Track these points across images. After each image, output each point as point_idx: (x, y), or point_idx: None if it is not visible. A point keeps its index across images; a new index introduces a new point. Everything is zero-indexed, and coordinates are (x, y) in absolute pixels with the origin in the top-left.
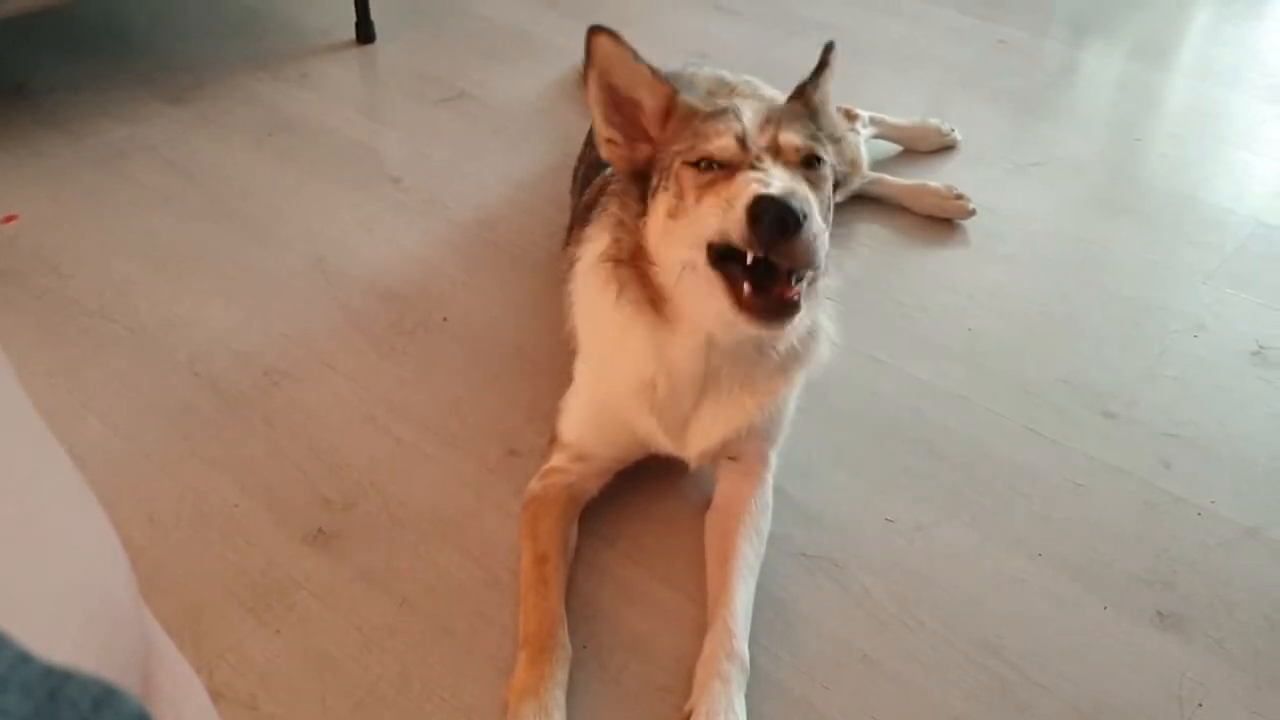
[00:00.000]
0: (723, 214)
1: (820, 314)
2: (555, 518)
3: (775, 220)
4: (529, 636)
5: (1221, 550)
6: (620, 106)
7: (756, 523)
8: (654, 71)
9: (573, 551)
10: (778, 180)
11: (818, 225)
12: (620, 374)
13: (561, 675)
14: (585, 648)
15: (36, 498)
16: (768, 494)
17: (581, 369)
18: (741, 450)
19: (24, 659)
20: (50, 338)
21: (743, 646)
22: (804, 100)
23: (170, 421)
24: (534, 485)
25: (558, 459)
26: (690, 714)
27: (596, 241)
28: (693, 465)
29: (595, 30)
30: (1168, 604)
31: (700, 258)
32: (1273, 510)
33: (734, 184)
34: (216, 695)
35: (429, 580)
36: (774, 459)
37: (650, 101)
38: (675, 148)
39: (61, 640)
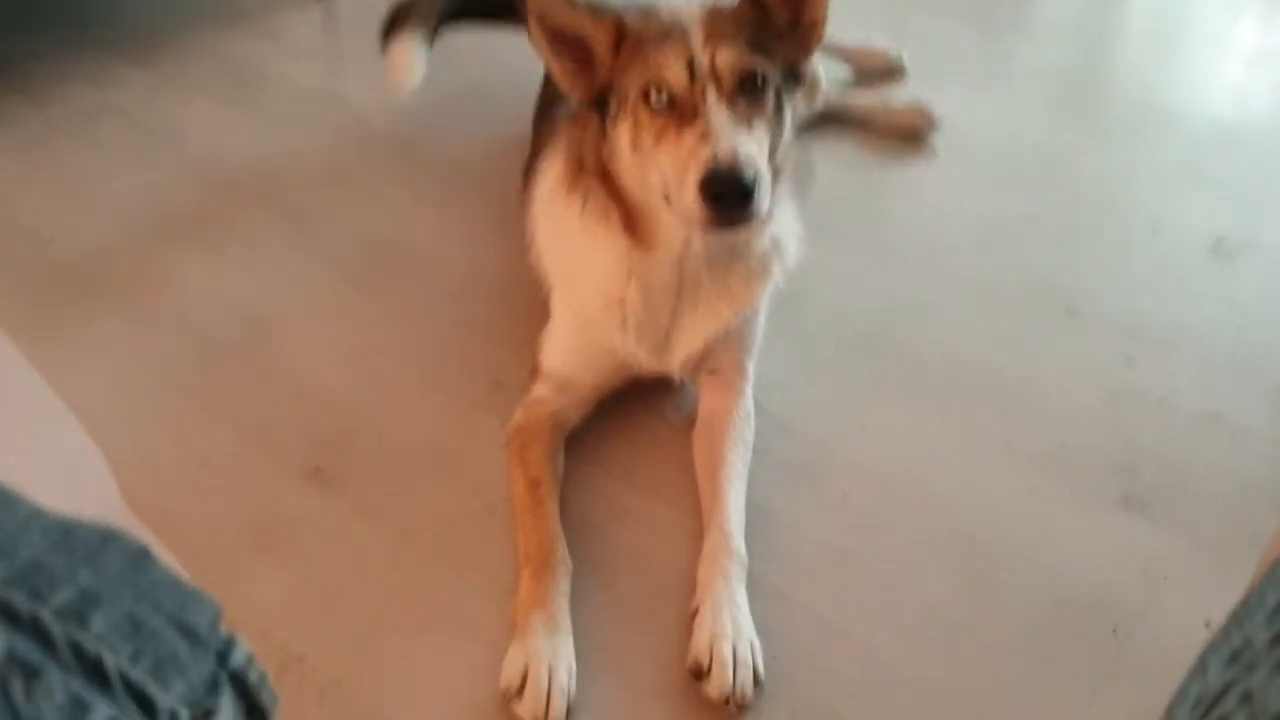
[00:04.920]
0: (677, 183)
1: (785, 215)
2: (544, 444)
3: (726, 199)
4: (529, 555)
5: (1183, 436)
6: (569, 44)
7: (741, 432)
8: (593, 9)
9: (562, 476)
10: (724, 139)
11: (764, 182)
12: (590, 292)
13: (565, 587)
14: (581, 562)
15: (14, 411)
16: (748, 404)
17: (557, 300)
18: (720, 363)
19: (38, 511)
20: (35, 302)
21: (739, 544)
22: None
23: (162, 375)
24: (518, 416)
25: (540, 389)
26: (696, 610)
27: (552, 170)
28: (677, 377)
29: None
30: (1133, 489)
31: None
32: (1231, 395)
33: (683, 142)
34: (230, 626)
35: (426, 511)
36: (751, 370)
37: (598, 35)
38: (629, 76)
39: None
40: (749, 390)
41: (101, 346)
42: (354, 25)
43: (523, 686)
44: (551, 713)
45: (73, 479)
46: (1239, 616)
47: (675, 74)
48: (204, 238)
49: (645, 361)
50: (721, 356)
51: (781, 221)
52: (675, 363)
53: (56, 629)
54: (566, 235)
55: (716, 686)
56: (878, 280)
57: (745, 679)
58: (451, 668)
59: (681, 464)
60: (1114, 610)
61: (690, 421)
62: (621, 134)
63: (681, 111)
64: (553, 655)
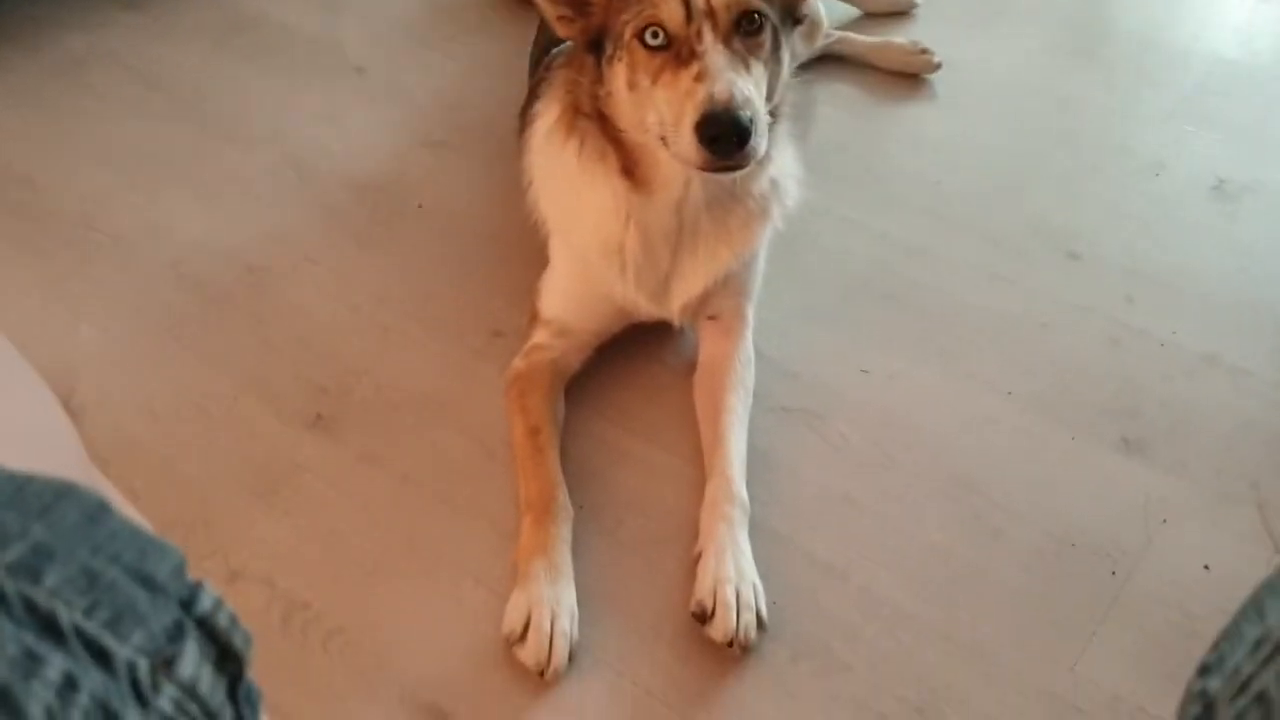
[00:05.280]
0: (674, 124)
1: (784, 156)
2: (543, 391)
3: (723, 140)
4: (531, 502)
5: (1183, 378)
6: None
7: (741, 377)
8: None
9: (562, 422)
10: (720, 79)
11: (761, 123)
12: (588, 236)
13: (566, 533)
14: (582, 508)
15: None
16: (749, 349)
17: (555, 246)
18: (720, 308)
19: None
20: (32, 250)
21: (741, 489)
22: None
23: (161, 324)
24: (518, 363)
25: (539, 336)
26: (700, 555)
27: (548, 113)
28: (676, 322)
29: None
30: (1132, 431)
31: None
32: (1231, 336)
33: (680, 83)
34: (235, 575)
35: (427, 457)
36: (751, 315)
37: None
38: (624, 16)
39: None
40: (749, 335)
41: (100, 296)
42: None
43: (525, 632)
44: (554, 658)
45: (32, 435)
46: None
47: (671, 12)
48: (199, 184)
49: (644, 306)
50: (721, 301)
51: (780, 163)
52: (675, 307)
53: (8, 585)
54: (564, 178)
55: (720, 629)
56: (878, 223)
57: (748, 622)
58: (454, 613)
59: (682, 410)
60: (1113, 552)
61: (690, 367)
62: (618, 75)
63: (678, 51)
64: (555, 601)
